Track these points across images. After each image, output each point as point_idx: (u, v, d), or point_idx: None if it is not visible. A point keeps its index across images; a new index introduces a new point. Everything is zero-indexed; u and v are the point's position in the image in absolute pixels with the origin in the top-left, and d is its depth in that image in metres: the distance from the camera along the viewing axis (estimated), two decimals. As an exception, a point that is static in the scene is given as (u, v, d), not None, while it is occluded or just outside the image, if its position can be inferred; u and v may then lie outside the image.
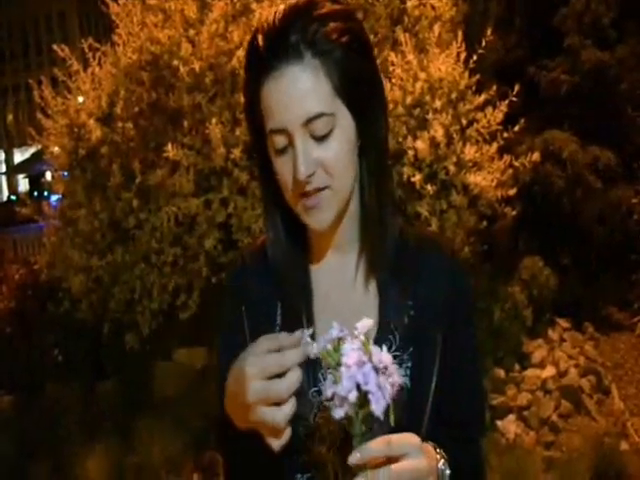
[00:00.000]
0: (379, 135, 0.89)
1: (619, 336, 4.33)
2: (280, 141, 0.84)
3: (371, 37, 3.86)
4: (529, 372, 3.60)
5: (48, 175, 7.14)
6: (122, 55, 3.83)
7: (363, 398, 0.69)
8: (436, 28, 3.90)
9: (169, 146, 3.51)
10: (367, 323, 0.74)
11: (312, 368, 0.91)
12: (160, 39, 3.71)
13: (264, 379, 0.72)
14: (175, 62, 3.65)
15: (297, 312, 0.94)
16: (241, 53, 3.71)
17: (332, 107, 0.82)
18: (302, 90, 0.81)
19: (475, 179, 3.38)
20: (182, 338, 3.80)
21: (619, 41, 5.22)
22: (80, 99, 3.95)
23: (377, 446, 0.71)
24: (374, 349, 0.70)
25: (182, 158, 3.58)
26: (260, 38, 0.84)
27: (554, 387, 3.47)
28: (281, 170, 0.86)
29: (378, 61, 0.96)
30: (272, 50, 0.82)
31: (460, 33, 3.72)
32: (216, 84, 3.79)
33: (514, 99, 3.52)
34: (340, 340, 0.73)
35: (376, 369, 0.71)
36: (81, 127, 3.68)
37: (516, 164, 3.56)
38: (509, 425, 3.23)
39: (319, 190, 0.85)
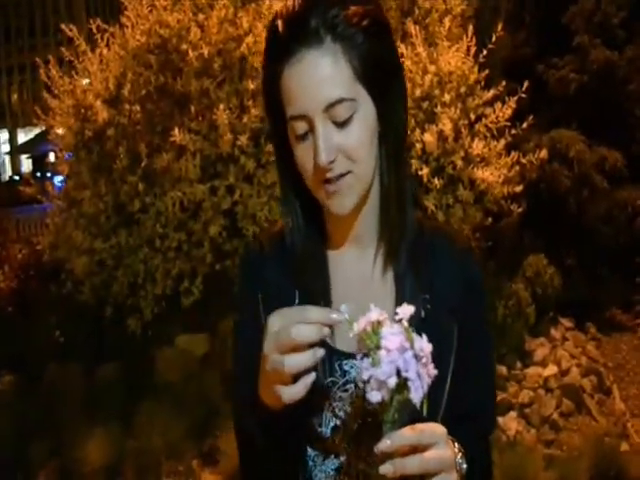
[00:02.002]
0: (399, 121, 0.88)
1: (621, 337, 4.34)
2: (300, 127, 0.83)
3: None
4: (531, 370, 3.60)
5: (52, 156, 7.09)
6: (130, 37, 3.80)
7: (402, 384, 0.67)
8: (446, 21, 3.88)
9: (176, 130, 3.49)
10: (408, 309, 0.72)
11: (328, 358, 0.90)
12: (169, 22, 3.68)
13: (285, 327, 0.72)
14: (184, 46, 3.63)
15: (315, 300, 0.93)
16: (250, 40, 3.69)
17: (353, 92, 0.81)
18: (323, 75, 0.80)
19: (482, 175, 3.37)
20: (184, 324, 3.79)
21: (628, 42, 5.20)
22: (86, 81, 3.91)
23: (408, 434, 0.70)
24: (416, 337, 0.69)
25: (189, 143, 3.56)
26: (280, 23, 0.83)
27: (555, 386, 3.48)
28: (302, 156, 0.85)
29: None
30: (292, 35, 0.81)
31: (471, 27, 3.70)
32: (224, 70, 3.77)
33: (523, 96, 3.51)
34: (379, 323, 0.71)
35: (416, 357, 0.70)
36: (88, 108, 3.65)
37: (523, 161, 3.55)
38: (510, 422, 3.23)
39: (341, 176, 0.84)
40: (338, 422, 0.91)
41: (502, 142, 3.50)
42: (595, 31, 5.10)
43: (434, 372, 0.69)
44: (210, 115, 3.66)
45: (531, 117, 3.54)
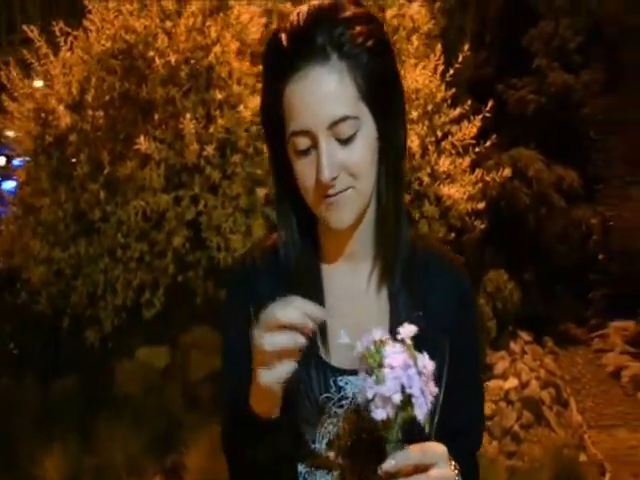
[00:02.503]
0: (398, 139, 0.89)
1: (577, 351, 4.49)
2: (303, 143, 0.83)
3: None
4: (492, 383, 3.67)
5: (1, 160, 6.83)
6: (95, 42, 3.72)
7: (406, 401, 0.68)
8: (414, 39, 3.96)
9: (141, 138, 3.43)
10: (410, 329, 0.73)
11: (323, 374, 0.90)
12: (136, 28, 3.62)
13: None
14: (151, 53, 3.57)
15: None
16: (218, 49, 3.67)
17: (356, 110, 0.82)
18: (328, 92, 0.80)
19: (448, 191, 3.44)
20: (145, 336, 3.70)
21: (584, 66, 5.42)
22: (39, 83, 3.81)
23: (412, 453, 0.70)
24: (418, 354, 0.70)
25: (154, 152, 3.50)
26: (284, 37, 0.82)
27: (516, 398, 3.55)
28: (302, 172, 0.85)
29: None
30: (297, 50, 0.81)
31: (439, 46, 3.78)
32: (191, 78, 3.73)
33: (487, 115, 3.60)
34: (382, 342, 0.71)
35: (420, 374, 0.71)
36: (49, 113, 3.55)
37: (487, 179, 3.64)
38: (472, 435, 3.25)
39: (342, 191, 0.84)
40: (332, 438, 0.90)
41: (467, 159, 3.58)
42: (553, 54, 5.30)
43: (435, 390, 0.69)
44: (175, 124, 3.61)
45: (494, 136, 3.63)
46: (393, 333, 0.90)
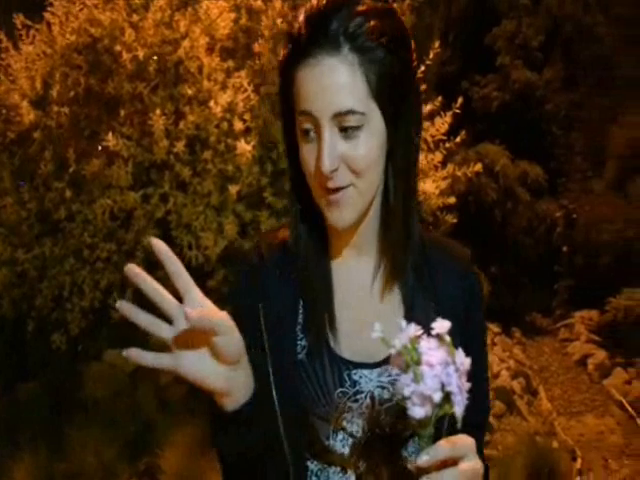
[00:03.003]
0: (409, 141, 0.88)
1: (543, 341, 4.61)
2: (306, 123, 0.82)
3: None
4: (464, 375, 3.70)
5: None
6: (58, 35, 3.60)
7: (446, 399, 0.67)
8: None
9: (109, 135, 3.33)
10: (445, 324, 0.72)
11: (337, 369, 0.89)
12: (102, 21, 3.52)
13: None
14: (117, 47, 3.48)
15: (320, 310, 0.92)
16: (187, 44, 3.60)
17: (364, 106, 0.81)
18: (336, 83, 0.79)
19: (422, 186, 3.45)
20: (113, 338, 3.61)
21: (546, 64, 5.54)
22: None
23: (444, 447, 0.70)
24: (456, 351, 0.69)
25: (121, 149, 3.41)
26: (302, 21, 0.82)
27: (489, 389, 3.60)
28: (307, 157, 0.85)
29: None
30: (311, 36, 0.81)
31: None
32: (159, 74, 3.65)
33: (457, 111, 3.63)
34: (417, 338, 0.70)
35: (457, 370, 0.70)
36: (11, 109, 3.42)
37: (458, 174, 3.67)
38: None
39: (343, 188, 0.83)
40: (347, 434, 0.89)
41: (439, 155, 3.61)
42: (516, 52, 5.39)
43: (468, 385, 0.69)
44: (142, 120, 3.53)
45: (463, 132, 3.67)
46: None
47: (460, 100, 3.59)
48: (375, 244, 0.93)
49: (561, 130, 5.40)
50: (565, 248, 5.01)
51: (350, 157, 0.82)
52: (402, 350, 0.68)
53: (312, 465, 0.89)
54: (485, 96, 5.43)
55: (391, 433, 0.86)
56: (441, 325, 0.69)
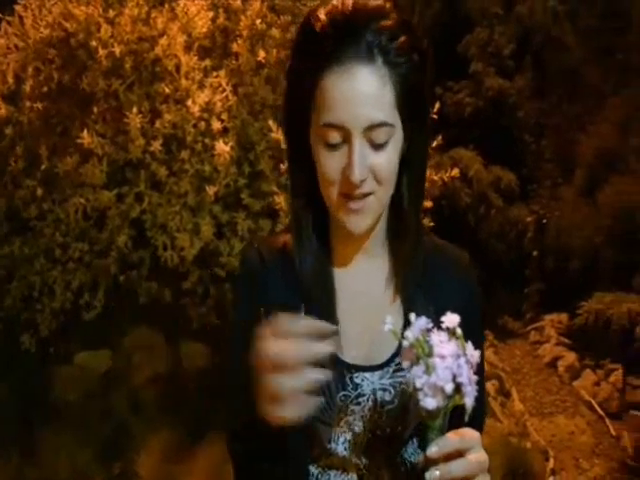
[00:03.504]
0: (424, 150, 0.91)
1: (515, 343, 4.72)
2: (335, 137, 0.82)
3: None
4: (439, 378, 3.73)
5: None
6: (31, 29, 3.52)
7: (457, 390, 0.68)
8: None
9: (84, 132, 3.27)
10: (454, 317, 0.74)
11: (340, 372, 0.89)
12: (77, 16, 3.45)
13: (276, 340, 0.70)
14: (93, 43, 3.41)
15: (321, 315, 0.92)
16: (165, 41, 3.55)
17: (392, 118, 0.82)
18: (370, 94, 0.80)
19: (399, 189, 3.48)
20: (85, 340, 3.54)
21: (517, 72, 5.65)
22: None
23: (453, 439, 0.71)
24: (467, 344, 0.71)
25: (96, 146, 3.34)
26: (328, 25, 0.81)
27: (463, 392, 3.64)
28: (328, 165, 0.84)
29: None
30: (341, 41, 0.80)
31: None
32: (135, 71, 3.59)
33: (434, 116, 3.67)
34: (428, 331, 0.72)
35: (467, 362, 0.71)
36: (-19, 103, 3.32)
37: (435, 178, 3.71)
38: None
39: (364, 196, 0.84)
40: (348, 437, 0.89)
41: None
42: (489, 60, 5.48)
43: (476, 378, 0.71)
44: (117, 117, 3.47)
45: (440, 137, 3.70)
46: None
47: (437, 105, 3.62)
48: (382, 250, 0.95)
49: (532, 137, 5.51)
50: (535, 253, 5.12)
51: (377, 167, 0.83)
52: (414, 342, 0.69)
53: (313, 469, 0.89)
54: (458, 102, 5.51)
55: (392, 434, 0.87)
56: (451, 319, 0.70)
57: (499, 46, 5.57)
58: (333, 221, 0.92)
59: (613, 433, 3.78)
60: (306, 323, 0.72)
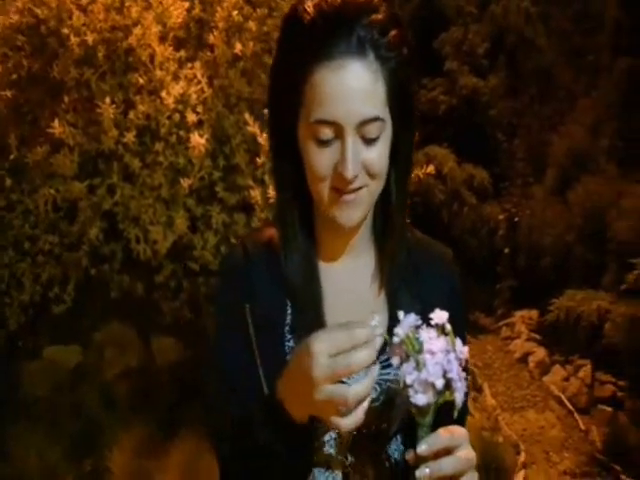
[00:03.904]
0: (410, 144, 0.91)
1: (486, 339, 4.78)
2: (327, 133, 0.81)
3: (275, 35, 3.84)
4: (413, 372, 3.77)
5: None
6: (-1, 15, 3.43)
7: (446, 386, 0.68)
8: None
9: (55, 122, 3.20)
10: (443, 314, 0.74)
11: None
12: (48, 2, 3.37)
13: (332, 355, 0.69)
14: (65, 30, 3.34)
15: (309, 312, 0.92)
16: (139, 31, 3.49)
17: (384, 113, 0.82)
18: (363, 90, 0.79)
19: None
20: (54, 334, 3.47)
21: (491, 71, 5.71)
22: None
23: (443, 437, 0.72)
24: (456, 340, 0.71)
25: (67, 136, 3.27)
26: (317, 18, 0.79)
27: (436, 386, 3.68)
28: (319, 160, 0.83)
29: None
30: (332, 35, 0.79)
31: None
32: (108, 61, 3.53)
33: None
34: (417, 328, 0.72)
35: (457, 359, 0.72)
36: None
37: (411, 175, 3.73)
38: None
39: (357, 189, 0.84)
40: (334, 434, 0.89)
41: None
42: (463, 58, 5.53)
43: (464, 374, 0.71)
44: (88, 107, 3.41)
45: (417, 133, 3.73)
46: (392, 326, 0.92)
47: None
48: (368, 245, 0.94)
49: (505, 136, 5.58)
50: (507, 250, 5.19)
51: (369, 162, 0.82)
52: (404, 339, 0.69)
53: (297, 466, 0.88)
54: (432, 99, 5.55)
55: (377, 432, 0.87)
56: (440, 315, 0.70)
57: (473, 45, 5.62)
58: (320, 216, 0.91)
59: (582, 427, 3.86)
60: (357, 333, 0.70)
